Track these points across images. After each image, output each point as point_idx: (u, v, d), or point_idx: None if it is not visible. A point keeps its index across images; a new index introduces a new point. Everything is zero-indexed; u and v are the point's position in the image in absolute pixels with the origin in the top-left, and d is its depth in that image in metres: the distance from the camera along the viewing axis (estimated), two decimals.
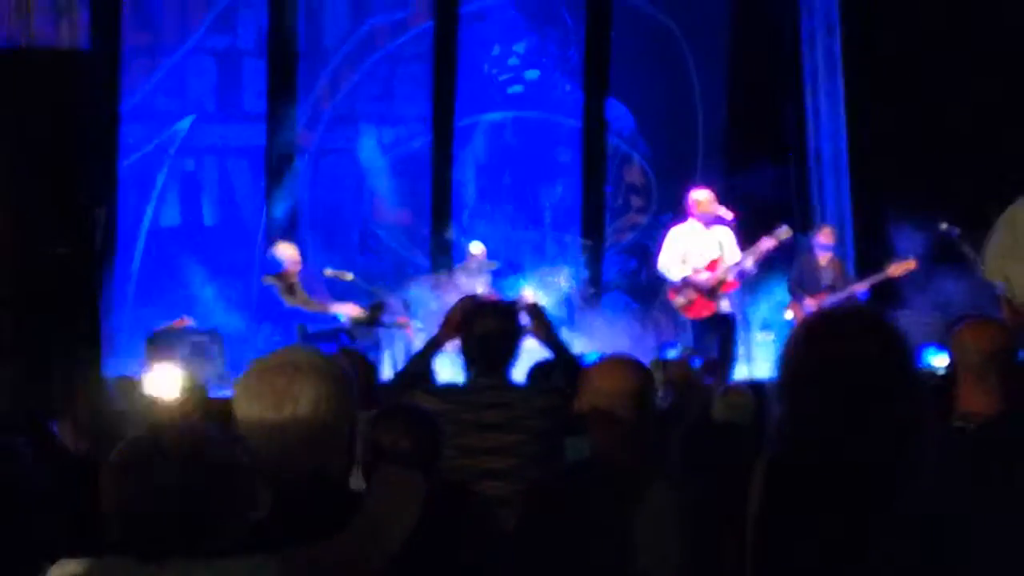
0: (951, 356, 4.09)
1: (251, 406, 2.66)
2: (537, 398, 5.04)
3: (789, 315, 11.85)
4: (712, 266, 11.34)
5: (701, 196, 11.60)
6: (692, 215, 11.54)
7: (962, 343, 3.96)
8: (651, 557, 3.49)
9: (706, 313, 11.38)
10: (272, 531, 2.54)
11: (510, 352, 5.10)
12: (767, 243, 11.34)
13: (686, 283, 11.36)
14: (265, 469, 2.59)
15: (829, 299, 11.51)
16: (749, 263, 11.35)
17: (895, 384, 2.87)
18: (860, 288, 11.57)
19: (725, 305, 11.44)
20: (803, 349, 2.97)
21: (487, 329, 5.06)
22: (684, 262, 11.41)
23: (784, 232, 11.39)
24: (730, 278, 11.41)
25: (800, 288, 11.86)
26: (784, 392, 2.98)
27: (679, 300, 11.48)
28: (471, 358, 5.16)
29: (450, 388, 5.32)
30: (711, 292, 11.32)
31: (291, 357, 2.73)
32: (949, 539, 1.87)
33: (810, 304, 11.47)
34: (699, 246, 11.45)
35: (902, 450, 2.80)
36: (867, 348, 2.89)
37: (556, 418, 4.83)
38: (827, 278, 11.84)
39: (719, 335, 11.37)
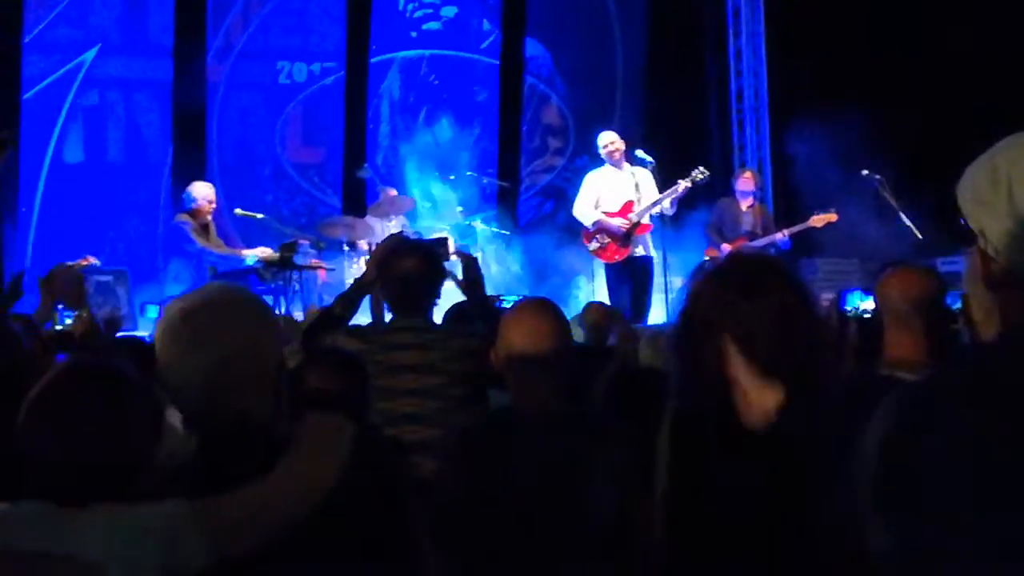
0: (876, 303, 3.99)
1: (173, 347, 2.54)
2: (456, 340, 4.93)
3: (707, 259, 11.75)
4: (625, 210, 11.23)
5: (606, 139, 11.50)
6: (605, 157, 11.40)
7: (887, 291, 3.86)
8: (574, 504, 3.41)
9: (618, 258, 11.28)
10: (197, 475, 2.51)
11: (429, 294, 5.03)
12: (682, 185, 11.22)
13: (599, 227, 11.24)
14: (189, 412, 2.56)
15: (748, 245, 11.44)
16: (665, 205, 11.23)
17: (795, 331, 2.83)
18: (781, 236, 11.48)
19: (639, 250, 11.33)
20: (696, 298, 2.93)
21: (405, 269, 4.95)
22: (597, 206, 11.32)
23: (699, 173, 11.28)
24: (645, 221, 11.30)
25: (718, 233, 11.76)
26: (678, 341, 2.97)
27: (592, 244, 11.38)
28: (390, 299, 5.09)
29: (369, 328, 5.24)
30: (625, 237, 11.22)
31: (214, 296, 2.63)
32: (862, 487, 1.76)
33: (727, 249, 11.36)
34: (614, 189, 11.35)
35: (804, 397, 2.76)
36: (765, 296, 2.86)
37: (476, 361, 4.67)
38: (747, 224, 11.75)
39: (634, 279, 11.25)
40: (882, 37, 12.69)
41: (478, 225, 12.83)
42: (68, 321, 6.78)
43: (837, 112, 11.61)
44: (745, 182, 11.96)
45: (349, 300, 5.23)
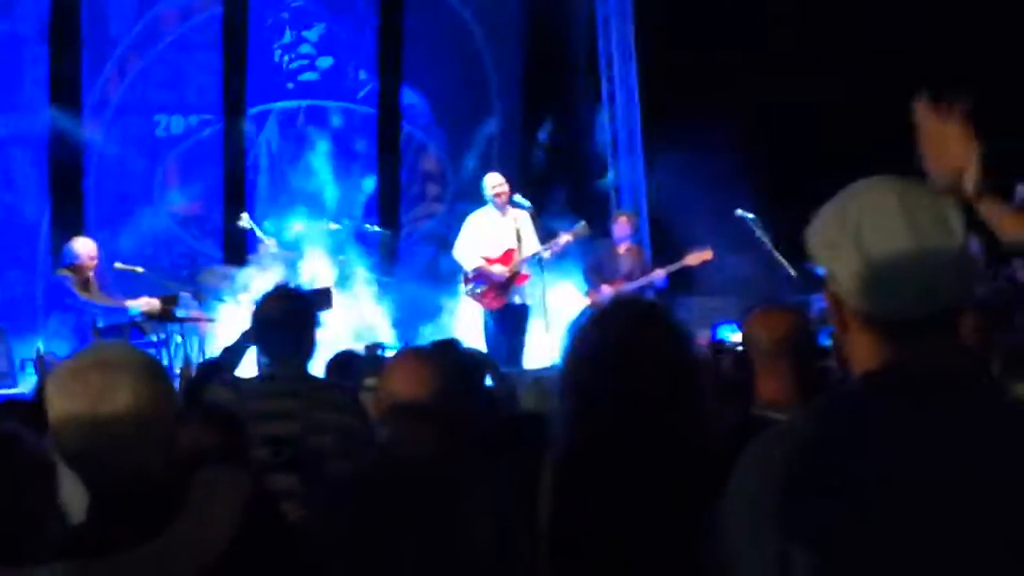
0: (744, 344, 4.09)
1: (66, 404, 2.51)
2: (324, 391, 4.96)
3: (586, 303, 11.91)
4: (506, 257, 11.36)
5: (493, 181, 11.61)
6: (490, 199, 11.52)
7: (753, 332, 3.94)
8: (451, 547, 3.41)
9: (497, 305, 11.39)
10: (91, 535, 2.48)
11: (299, 341, 4.94)
12: (564, 238, 11.40)
13: (479, 273, 11.34)
14: (82, 469, 2.53)
15: (627, 286, 11.61)
16: (546, 255, 11.37)
17: (667, 371, 2.94)
18: (658, 276, 11.68)
19: (516, 298, 11.47)
20: (579, 341, 3.05)
21: (272, 318, 4.91)
22: (478, 250, 11.41)
23: (582, 229, 11.48)
24: (524, 270, 11.43)
25: (598, 276, 11.90)
26: (564, 383, 3.05)
27: (470, 288, 11.46)
28: (261, 347, 5.07)
29: (242, 379, 5.21)
30: (503, 286, 11.34)
31: (107, 353, 2.61)
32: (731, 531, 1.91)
33: (607, 291, 11.54)
34: (496, 234, 11.45)
35: (678, 436, 2.89)
36: (639, 337, 2.97)
37: (339, 414, 4.76)
38: (625, 266, 11.93)
39: (511, 327, 11.37)
40: (755, 76, 12.94)
41: (358, 272, 12.84)
42: None
43: (710, 152, 11.83)
44: (621, 227, 12.11)
45: (232, 350, 5.30)
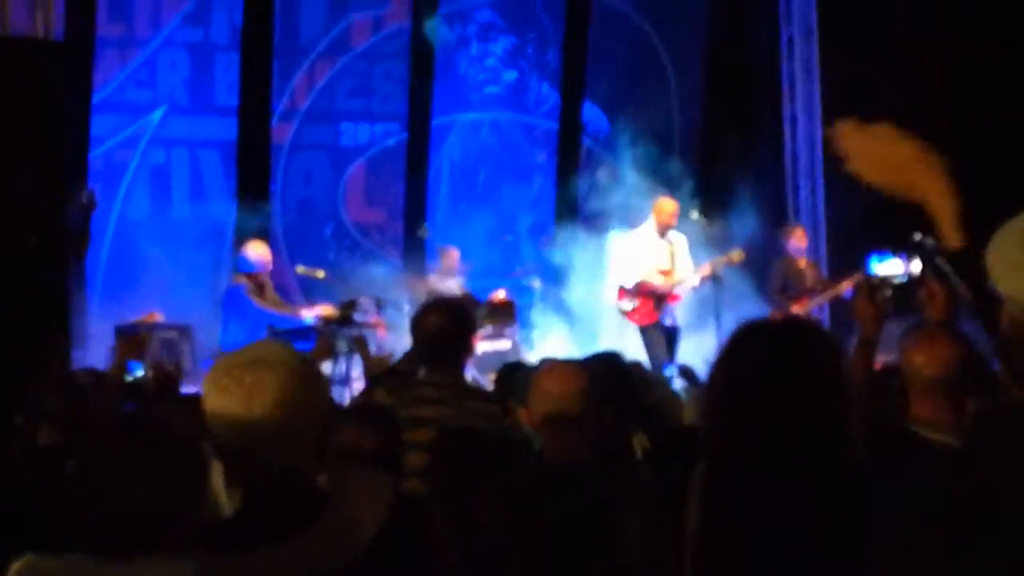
0: (901, 370, 3.92)
1: (220, 402, 2.57)
2: (472, 400, 5.04)
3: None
4: (664, 276, 11.35)
5: (670, 207, 11.57)
6: (658, 223, 11.49)
7: (913, 360, 3.81)
8: (603, 553, 3.50)
9: (647, 322, 11.33)
10: (239, 530, 2.54)
11: (454, 349, 5.08)
12: (719, 263, 11.37)
13: (636, 290, 11.31)
14: (234, 467, 2.60)
15: (813, 303, 11.44)
16: (697, 281, 11.39)
17: (820, 389, 2.91)
18: (845, 288, 11.36)
19: (668, 319, 11.44)
20: (731, 358, 3.03)
21: (428, 327, 5.07)
22: (636, 268, 11.40)
23: (737, 255, 11.39)
24: (676, 291, 11.40)
25: (783, 295, 11.69)
26: (714, 398, 3.05)
27: (625, 304, 11.40)
28: (419, 354, 5.23)
29: (400, 382, 5.33)
30: (657, 302, 11.29)
31: (261, 353, 2.65)
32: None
33: (796, 310, 11.32)
34: (653, 255, 11.43)
35: (830, 455, 2.86)
36: (793, 354, 2.95)
37: (488, 422, 4.85)
38: (809, 281, 11.71)
39: (666, 343, 11.31)
40: (939, 107, 12.67)
41: (535, 284, 12.89)
42: (139, 373, 6.90)
43: None
44: (798, 239, 11.92)
45: (408, 357, 5.48)
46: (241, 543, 2.44)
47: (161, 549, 2.42)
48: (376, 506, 2.58)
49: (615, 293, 11.58)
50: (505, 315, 11.85)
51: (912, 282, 4.10)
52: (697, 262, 11.59)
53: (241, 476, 2.59)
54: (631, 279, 11.39)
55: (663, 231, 11.45)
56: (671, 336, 11.43)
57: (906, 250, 4.33)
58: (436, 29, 13.66)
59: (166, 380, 7.02)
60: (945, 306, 3.95)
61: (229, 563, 2.42)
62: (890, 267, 4.32)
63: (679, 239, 11.50)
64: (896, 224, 11.57)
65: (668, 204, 11.61)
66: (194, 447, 2.57)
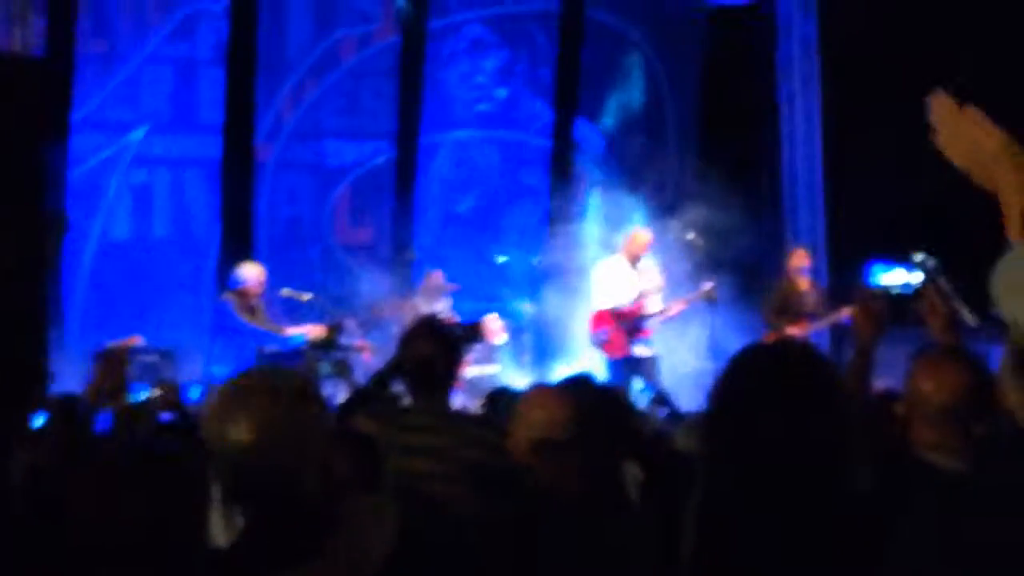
0: (906, 394, 3.81)
1: (224, 428, 2.56)
2: (470, 428, 4.98)
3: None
4: (637, 308, 11.31)
5: (645, 238, 11.57)
6: (631, 251, 11.47)
7: (921, 390, 3.69)
8: None
9: (620, 355, 11.28)
10: (245, 556, 2.54)
11: (445, 377, 5.02)
12: (688, 299, 11.42)
13: (617, 314, 11.28)
14: (239, 493, 2.59)
15: (812, 326, 11.25)
16: (671, 313, 11.40)
17: (819, 416, 2.84)
18: (845, 314, 11.14)
19: (639, 349, 11.36)
20: (728, 383, 2.98)
21: (419, 353, 4.98)
22: (614, 298, 11.38)
23: (709, 289, 11.38)
24: (647, 326, 11.39)
25: (782, 316, 11.43)
26: (711, 424, 3.00)
27: (599, 336, 11.38)
28: (408, 381, 5.10)
29: (387, 411, 5.25)
30: (629, 333, 11.24)
31: (266, 378, 2.68)
32: None
33: (793, 332, 11.11)
34: (627, 283, 11.41)
35: (829, 482, 2.82)
36: (792, 380, 2.89)
37: (489, 450, 4.65)
38: (810, 304, 11.49)
39: (642, 372, 11.18)
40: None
41: (527, 308, 12.75)
42: (144, 394, 6.78)
43: (893, 190, 11.43)
44: (799, 259, 11.73)
45: (380, 379, 5.33)
46: (246, 573, 2.49)
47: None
48: (385, 530, 2.60)
49: (591, 322, 11.54)
50: (473, 336, 11.79)
51: (913, 294, 3.98)
52: (690, 284, 11.58)
53: (244, 503, 2.60)
54: (608, 307, 11.35)
55: (634, 261, 11.43)
56: (647, 365, 11.31)
57: (909, 263, 4.21)
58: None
59: (174, 397, 6.84)
60: (946, 320, 3.78)
61: None
62: (892, 277, 4.20)
63: (652, 269, 11.52)
64: (897, 245, 11.46)
65: (643, 236, 11.62)
66: (197, 475, 2.60)
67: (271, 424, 2.53)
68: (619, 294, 11.34)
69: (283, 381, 2.63)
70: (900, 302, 4.12)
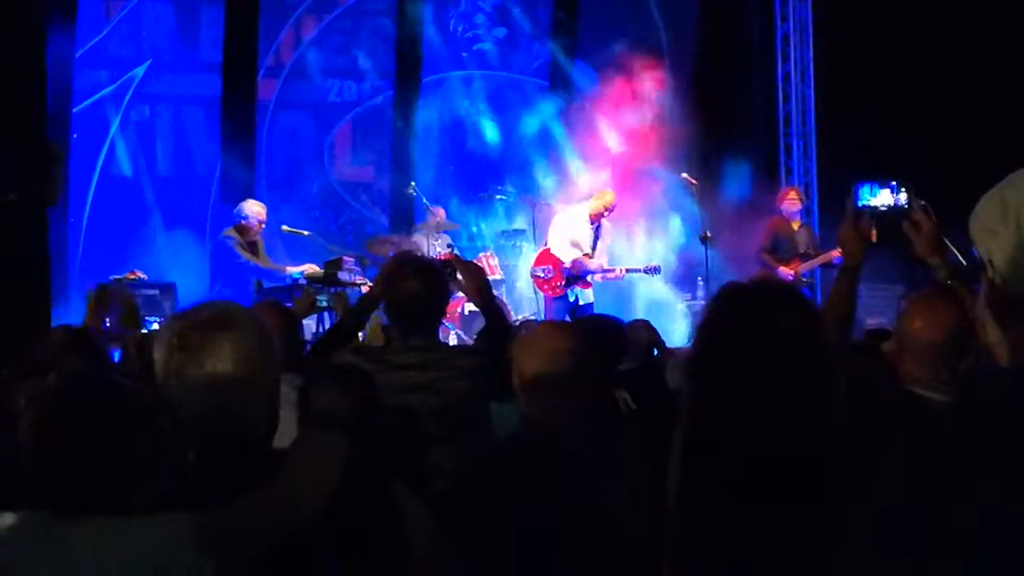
0: (896, 331, 3.96)
1: (171, 361, 2.52)
2: (461, 359, 4.92)
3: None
4: (579, 263, 11.46)
5: (609, 198, 11.68)
6: (601, 211, 11.58)
7: (911, 328, 3.82)
8: (590, 514, 3.50)
9: (554, 295, 11.45)
10: (193, 489, 2.51)
11: (431, 313, 4.94)
12: (626, 268, 11.65)
13: (576, 265, 11.42)
14: (186, 427, 2.55)
15: (804, 266, 11.36)
16: (616, 274, 11.59)
17: (800, 353, 2.89)
18: (836, 255, 11.26)
19: (571, 296, 11.49)
20: (712, 321, 3.02)
21: (406, 290, 4.85)
22: (573, 247, 11.49)
23: (654, 271, 11.63)
24: (592, 279, 11.56)
25: (772, 255, 11.57)
26: (695, 362, 3.03)
27: (538, 271, 11.53)
28: (394, 319, 5.02)
29: (375, 348, 5.24)
30: (570, 281, 11.42)
31: (213, 312, 2.61)
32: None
33: (785, 272, 11.23)
34: (580, 237, 11.52)
35: (812, 420, 2.85)
36: (773, 319, 2.92)
37: (481, 379, 4.70)
38: (801, 244, 11.60)
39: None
40: (936, 63, 12.53)
41: (524, 245, 12.83)
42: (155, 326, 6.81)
43: (883, 133, 11.50)
44: (791, 203, 11.84)
45: (356, 315, 5.27)
46: (197, 502, 2.41)
47: (126, 508, 2.39)
48: (328, 468, 2.54)
49: (536, 258, 11.69)
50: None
51: (898, 213, 4.07)
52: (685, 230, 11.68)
53: (194, 436, 2.55)
54: (561, 253, 11.45)
55: (596, 218, 11.52)
56: (576, 311, 11.36)
57: (894, 183, 4.28)
58: None
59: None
60: (931, 237, 3.89)
61: (218, 515, 2.39)
62: (878, 198, 4.27)
63: (608, 228, 11.67)
64: (883, 169, 11.49)
65: (610, 196, 11.66)
66: (151, 405, 2.53)
67: (226, 359, 2.50)
68: (571, 247, 11.46)
69: (238, 317, 2.60)
70: (886, 220, 4.20)
